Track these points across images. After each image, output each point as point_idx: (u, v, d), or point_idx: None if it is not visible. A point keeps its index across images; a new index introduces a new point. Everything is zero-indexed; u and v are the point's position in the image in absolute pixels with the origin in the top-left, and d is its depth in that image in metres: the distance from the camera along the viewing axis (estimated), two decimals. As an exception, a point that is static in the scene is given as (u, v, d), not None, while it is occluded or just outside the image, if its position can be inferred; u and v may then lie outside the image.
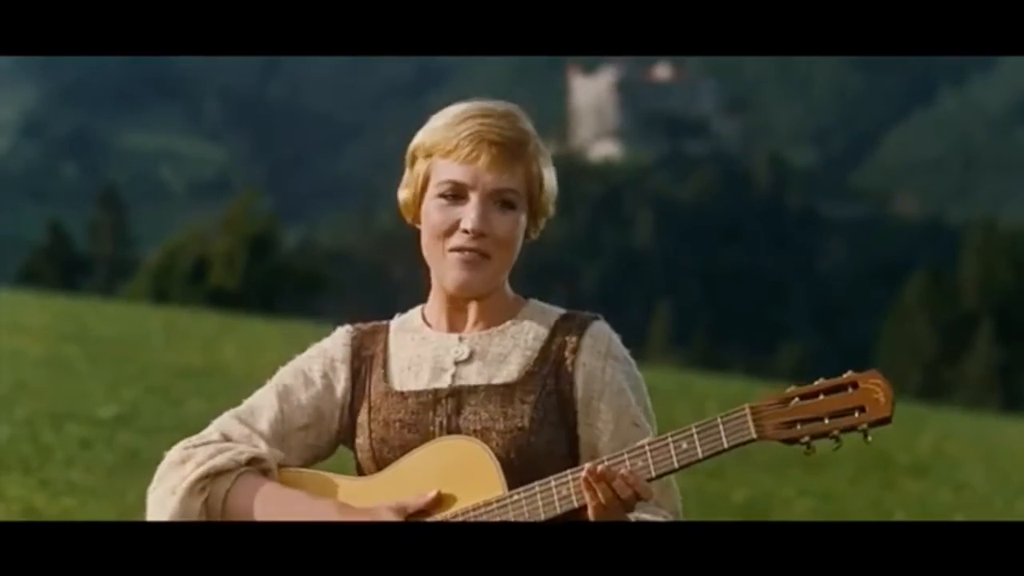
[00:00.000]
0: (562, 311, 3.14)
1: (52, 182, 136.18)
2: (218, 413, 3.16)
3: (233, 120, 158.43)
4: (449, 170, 3.03)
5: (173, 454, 3.08)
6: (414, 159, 3.10)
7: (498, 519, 2.93)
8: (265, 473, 3.06)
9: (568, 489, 2.92)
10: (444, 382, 3.07)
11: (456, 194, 3.03)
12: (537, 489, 2.93)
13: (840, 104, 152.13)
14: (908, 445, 15.17)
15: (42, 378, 13.49)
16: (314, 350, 3.19)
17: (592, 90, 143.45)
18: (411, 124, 3.18)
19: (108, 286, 55.80)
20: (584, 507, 2.90)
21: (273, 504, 3.01)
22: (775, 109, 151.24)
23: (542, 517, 2.92)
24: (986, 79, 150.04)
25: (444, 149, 3.04)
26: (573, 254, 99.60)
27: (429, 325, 3.14)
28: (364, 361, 3.15)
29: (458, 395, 3.05)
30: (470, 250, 3.02)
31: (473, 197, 3.02)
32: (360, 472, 3.11)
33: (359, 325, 3.21)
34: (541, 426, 3.01)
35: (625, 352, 3.11)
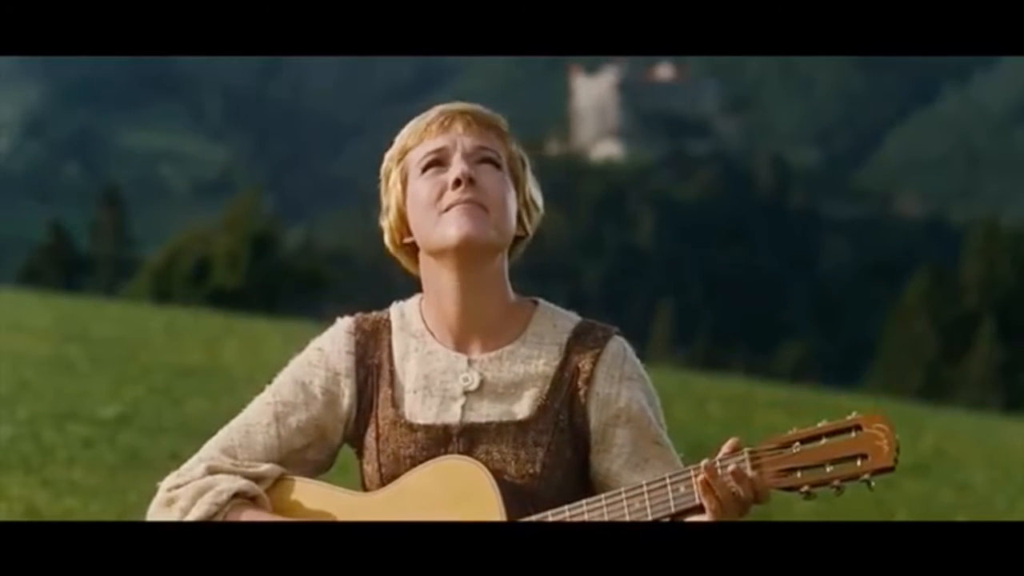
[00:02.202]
0: (574, 321, 3.06)
1: (54, 182, 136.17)
2: (219, 413, 3.14)
3: (235, 120, 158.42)
4: (426, 147, 3.03)
5: (160, 494, 3.05)
6: (388, 173, 3.09)
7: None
8: (253, 500, 3.01)
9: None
10: (454, 415, 3.01)
11: (439, 161, 3.02)
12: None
13: (842, 104, 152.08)
14: (910, 445, 15.16)
15: (44, 378, 13.49)
16: (315, 354, 3.10)
17: (594, 90, 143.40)
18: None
19: (110, 286, 55.84)
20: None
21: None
22: (777, 109, 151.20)
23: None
24: (988, 79, 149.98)
25: (416, 138, 3.05)
26: (575, 254, 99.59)
27: (431, 333, 3.06)
28: (370, 371, 3.07)
29: (470, 432, 2.99)
30: (465, 202, 2.97)
31: (455, 156, 3.01)
32: (362, 479, 3.09)
33: (360, 322, 3.11)
34: (553, 472, 2.97)
35: (640, 369, 3.05)
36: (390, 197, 3.08)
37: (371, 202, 3.11)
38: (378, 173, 3.12)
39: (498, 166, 3.03)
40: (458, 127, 3.03)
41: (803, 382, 35.66)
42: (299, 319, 30.13)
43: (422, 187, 3.01)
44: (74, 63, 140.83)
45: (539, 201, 3.10)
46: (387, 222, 3.09)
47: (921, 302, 66.19)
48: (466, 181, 2.98)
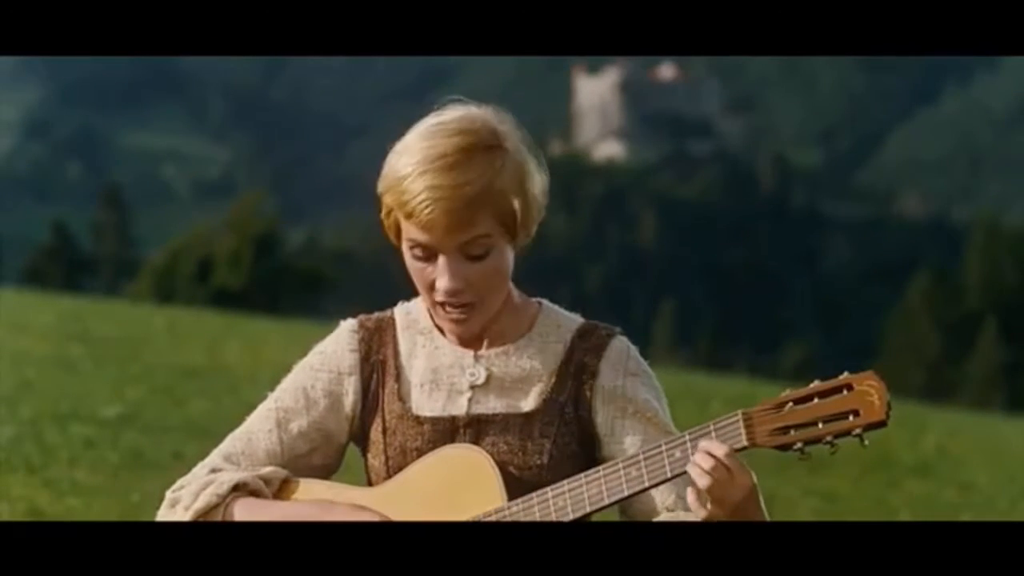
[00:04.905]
0: (578, 322, 3.09)
1: (56, 182, 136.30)
2: (222, 413, 3.16)
3: (237, 120, 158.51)
4: (412, 232, 2.96)
5: (167, 497, 3.07)
6: (382, 199, 3.01)
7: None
8: (255, 494, 3.03)
9: (564, 500, 2.91)
10: (461, 407, 3.03)
11: (425, 254, 2.97)
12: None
13: (844, 104, 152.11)
14: (912, 445, 15.15)
15: (46, 378, 13.48)
16: (317, 359, 3.11)
17: (596, 90, 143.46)
18: (415, 124, 3.11)
19: (112, 286, 55.91)
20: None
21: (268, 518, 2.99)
22: (779, 109, 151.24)
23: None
24: (990, 79, 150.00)
25: (404, 210, 2.95)
26: (577, 254, 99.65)
27: (439, 329, 3.08)
28: (375, 368, 3.09)
29: (476, 423, 3.02)
30: (452, 306, 2.98)
31: (440, 258, 2.96)
32: (368, 474, 3.10)
33: (364, 321, 3.12)
34: (559, 463, 2.99)
35: (644, 365, 3.07)
36: (385, 215, 3.02)
37: (374, 203, 3.09)
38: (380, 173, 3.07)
39: (485, 255, 2.96)
40: (440, 224, 2.92)
41: (805, 382, 35.58)
42: (301, 319, 30.12)
43: (414, 269, 3.00)
44: (76, 63, 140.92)
45: (542, 198, 3.04)
46: (385, 223, 3.04)
47: (923, 302, 66.23)
48: (452, 292, 2.97)
